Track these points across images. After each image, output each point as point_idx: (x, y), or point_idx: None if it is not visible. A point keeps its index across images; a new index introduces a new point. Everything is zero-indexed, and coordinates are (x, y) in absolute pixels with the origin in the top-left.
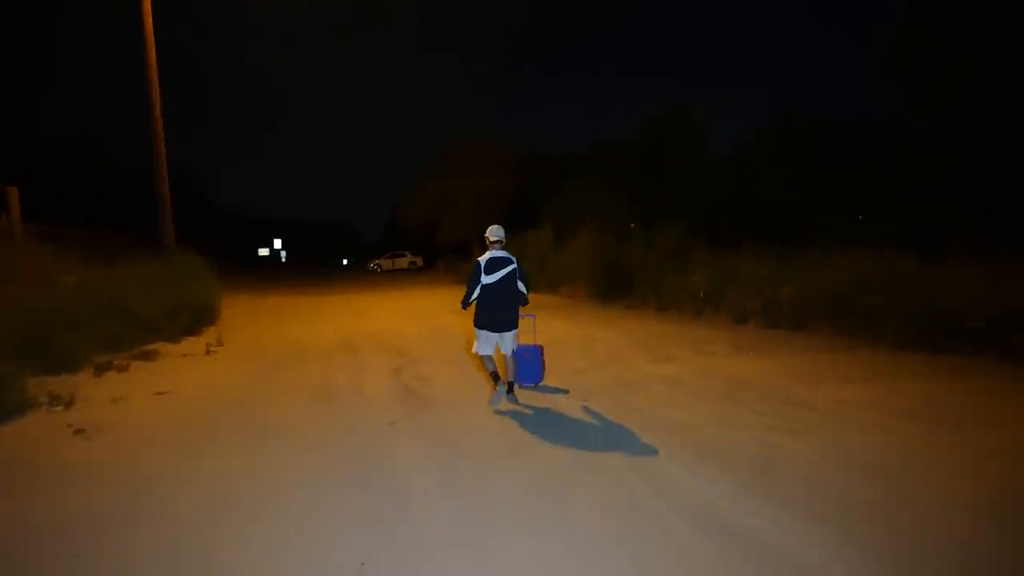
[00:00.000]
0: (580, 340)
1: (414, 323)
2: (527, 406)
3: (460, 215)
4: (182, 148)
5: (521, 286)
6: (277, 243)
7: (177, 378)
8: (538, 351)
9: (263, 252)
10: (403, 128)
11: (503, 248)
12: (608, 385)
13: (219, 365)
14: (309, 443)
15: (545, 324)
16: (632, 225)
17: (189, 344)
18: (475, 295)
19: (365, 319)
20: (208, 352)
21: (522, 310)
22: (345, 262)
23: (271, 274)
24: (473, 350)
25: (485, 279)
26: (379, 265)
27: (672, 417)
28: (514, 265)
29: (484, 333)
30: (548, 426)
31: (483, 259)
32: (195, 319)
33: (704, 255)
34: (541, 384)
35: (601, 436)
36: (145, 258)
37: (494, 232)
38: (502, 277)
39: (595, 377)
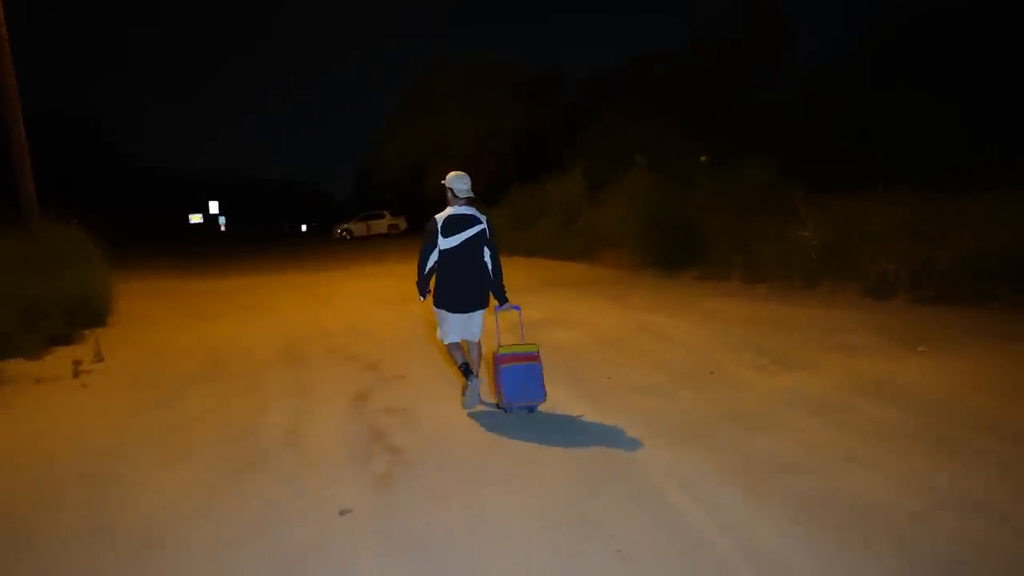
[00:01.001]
0: (640, 335)
1: (391, 313)
2: (571, 447)
3: (453, 161)
4: (92, 92)
5: (488, 257)
6: (213, 207)
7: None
8: (534, 357)
9: (195, 219)
10: (378, 70)
11: (471, 204)
12: (705, 418)
13: (83, 399)
14: (191, 571)
15: (583, 308)
16: (703, 159)
17: (54, 361)
18: (430, 265)
19: (323, 308)
20: (77, 374)
21: (498, 305)
22: (304, 228)
23: (205, 248)
24: (437, 336)
25: (443, 243)
26: (348, 231)
27: (858, 495)
28: (482, 226)
29: (447, 315)
30: (622, 506)
31: (441, 216)
32: (69, 321)
33: (810, 202)
34: (580, 417)
35: (736, 549)
36: None
37: (459, 181)
38: (466, 240)
39: (678, 402)
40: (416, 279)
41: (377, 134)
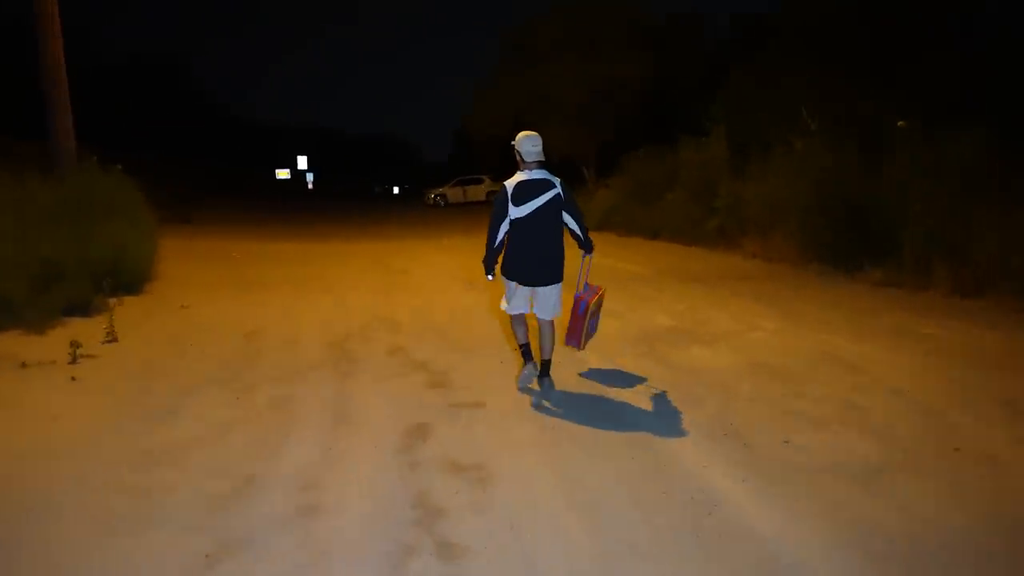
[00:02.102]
0: (821, 365)
1: (476, 301)
2: None
3: (563, 119)
4: (192, 41)
5: (570, 221)
6: (302, 162)
7: None
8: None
9: (282, 175)
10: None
11: (542, 168)
12: (983, 549)
13: (61, 398)
14: None
15: (726, 315)
16: (901, 123)
17: (57, 337)
18: (501, 238)
19: (396, 288)
20: (74, 359)
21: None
22: (396, 190)
23: (287, 206)
24: (500, 306)
25: (514, 212)
26: (442, 196)
27: None
28: (557, 190)
29: (511, 285)
30: None
31: (511, 183)
32: (95, 286)
33: None
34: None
35: None
36: (16, 176)
37: (528, 143)
38: (539, 207)
39: (921, 505)
40: (484, 255)
41: (478, 88)
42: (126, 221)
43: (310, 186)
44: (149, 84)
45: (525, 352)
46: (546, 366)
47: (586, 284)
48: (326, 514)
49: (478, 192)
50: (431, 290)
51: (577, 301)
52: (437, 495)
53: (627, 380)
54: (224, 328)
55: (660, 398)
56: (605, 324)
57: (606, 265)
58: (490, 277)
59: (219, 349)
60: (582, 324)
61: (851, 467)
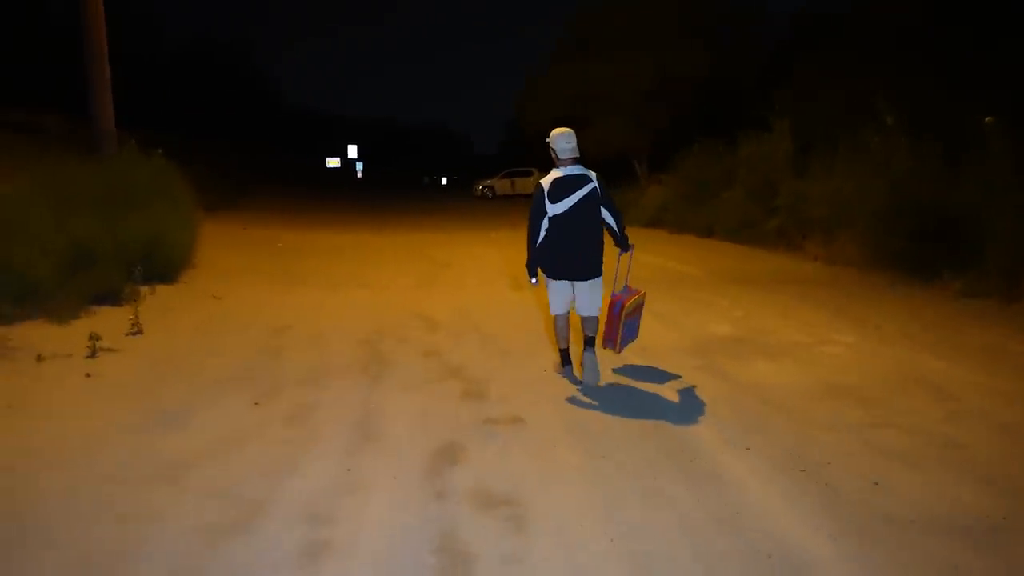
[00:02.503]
0: (908, 389)
1: (519, 300)
2: None
3: (616, 113)
4: (246, 27)
5: (607, 217)
6: (352, 151)
7: None
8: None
9: (332, 163)
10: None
11: (578, 163)
12: None
13: (71, 396)
14: None
15: (792, 325)
16: (988, 120)
17: (81, 327)
18: (542, 235)
19: (436, 282)
20: (93, 353)
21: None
22: (445, 181)
23: (335, 194)
24: (551, 310)
25: (552, 209)
26: (490, 188)
27: None
28: (593, 184)
29: (552, 282)
30: None
31: (547, 181)
32: (127, 274)
33: None
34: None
35: None
36: (58, 158)
37: (563, 140)
38: (577, 203)
39: None
40: (526, 261)
41: (531, 79)
42: (164, 207)
43: (359, 175)
44: (208, 71)
45: (564, 356)
46: (590, 341)
47: (626, 286)
48: (333, 555)
49: (527, 184)
50: (473, 286)
51: (613, 301)
52: (464, 535)
53: (685, 398)
54: (254, 322)
55: (723, 422)
56: (658, 330)
57: (657, 265)
58: (534, 281)
59: (245, 346)
60: (617, 325)
61: (961, 522)
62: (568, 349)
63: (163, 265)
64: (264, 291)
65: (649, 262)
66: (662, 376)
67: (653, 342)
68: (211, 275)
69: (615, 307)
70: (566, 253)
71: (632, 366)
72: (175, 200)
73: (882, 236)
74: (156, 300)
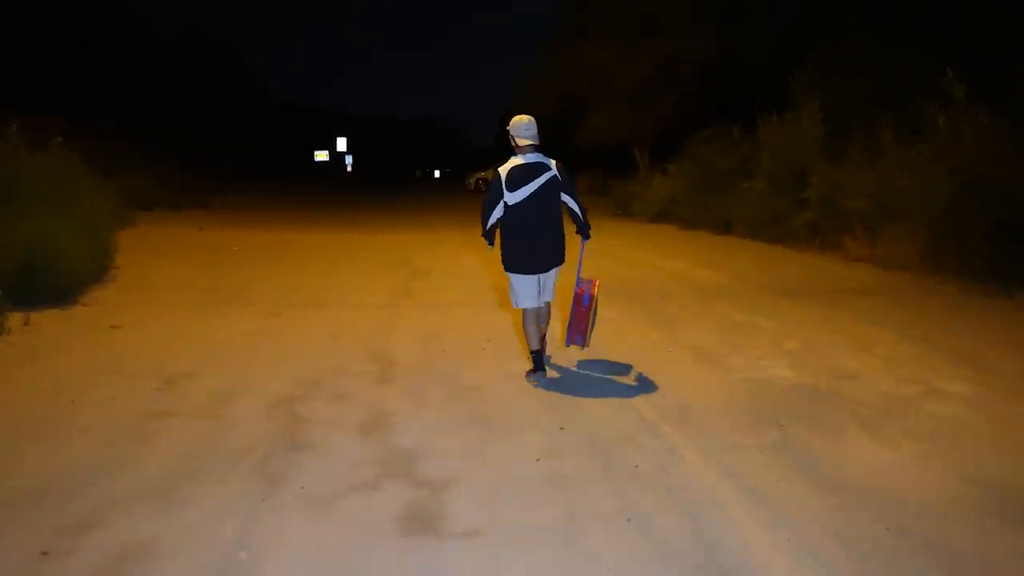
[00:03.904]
0: None
1: (514, 321)
2: None
3: (617, 101)
4: (229, 19)
5: (569, 201)
6: (341, 144)
7: None
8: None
9: (321, 156)
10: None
11: (538, 151)
12: None
13: None
14: None
15: (877, 363)
16: None
17: None
18: (493, 221)
19: (408, 296)
20: None
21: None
22: (437, 174)
23: (321, 189)
24: (513, 304)
25: (510, 197)
26: (483, 181)
27: None
28: (552, 172)
29: (519, 278)
30: None
31: (504, 169)
32: None
33: None
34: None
35: None
36: None
37: (522, 127)
38: (535, 191)
39: None
40: (481, 232)
41: (530, 68)
42: (59, 211)
43: (348, 169)
44: (192, 66)
45: (537, 359)
46: (540, 356)
47: (579, 277)
48: None
49: None
50: (451, 303)
51: (579, 293)
52: None
53: (762, 534)
54: (145, 369)
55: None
56: (696, 374)
57: (674, 270)
58: (490, 247)
59: (106, 417)
60: (587, 317)
61: None
62: (541, 351)
63: (52, 284)
64: (183, 316)
65: (663, 266)
66: (721, 474)
67: (693, 396)
68: (124, 294)
69: (582, 298)
70: (530, 246)
71: (674, 450)
72: (76, 203)
73: (950, 233)
74: (25, 334)
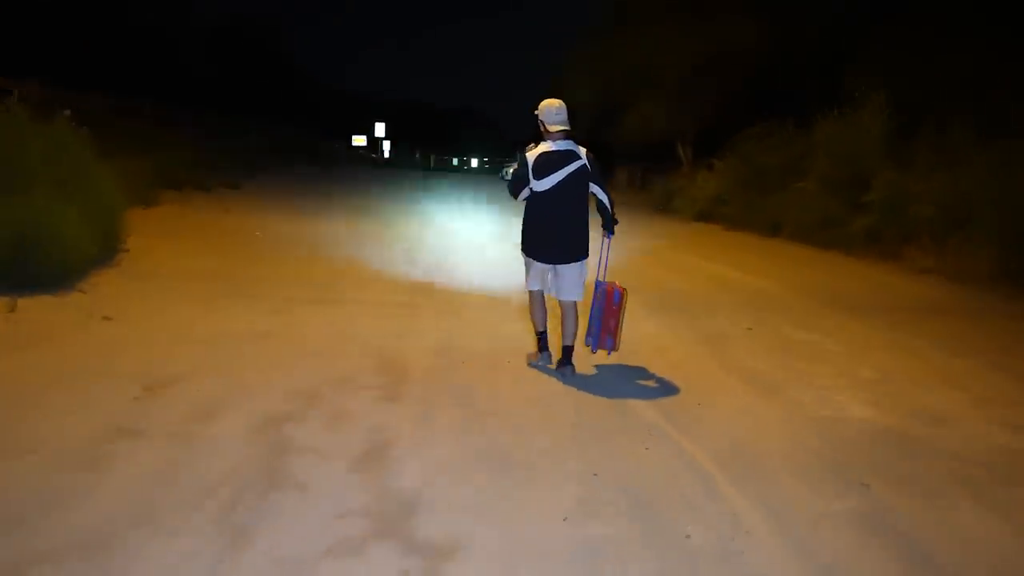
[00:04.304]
0: None
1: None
2: None
3: (659, 94)
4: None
5: (599, 192)
6: (379, 129)
7: None
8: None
9: (358, 141)
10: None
11: (569, 138)
12: None
13: None
14: None
15: (971, 406)
16: None
17: None
18: (524, 196)
19: (428, 306)
20: None
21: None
22: (475, 163)
23: (355, 175)
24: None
25: (536, 185)
26: None
27: None
28: (582, 161)
29: (531, 262)
30: None
31: (532, 155)
32: None
33: None
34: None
35: None
36: None
37: (553, 112)
38: (562, 180)
39: None
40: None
41: (568, 67)
42: (57, 189)
43: (386, 155)
44: (236, 48)
45: (542, 340)
46: (567, 353)
47: (601, 281)
48: None
49: None
50: (476, 305)
51: (607, 290)
52: None
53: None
54: (131, 369)
55: None
56: (755, 408)
57: (722, 276)
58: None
59: (63, 431)
60: (618, 317)
61: None
62: (545, 332)
63: (45, 267)
64: (185, 308)
65: (709, 271)
66: (801, 558)
67: (754, 439)
68: (127, 280)
69: (612, 296)
70: (547, 235)
71: (737, 517)
72: (81, 180)
73: None
74: (7, 322)
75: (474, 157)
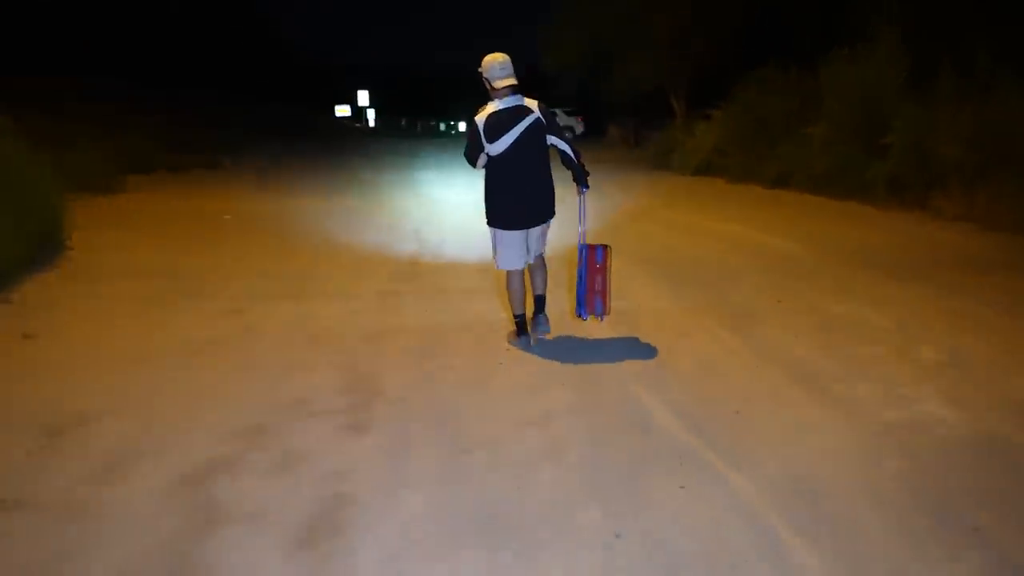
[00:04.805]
0: None
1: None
2: None
3: (650, 41)
4: None
5: (559, 143)
6: (362, 97)
7: None
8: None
9: (342, 111)
10: None
11: (517, 93)
12: None
13: None
14: None
15: None
16: None
17: None
18: (482, 163)
19: (412, 292)
20: None
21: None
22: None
23: (339, 147)
24: (496, 265)
25: (491, 148)
26: None
27: None
28: (535, 115)
29: (503, 234)
30: None
31: (481, 118)
32: None
33: None
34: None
35: None
36: None
37: (497, 67)
38: (517, 139)
39: None
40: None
41: (557, 20)
42: None
43: (371, 124)
44: (212, 22)
45: (520, 324)
46: (540, 302)
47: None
48: None
49: None
50: (464, 291)
51: (590, 249)
52: None
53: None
54: (27, 411)
55: None
56: (808, 416)
57: (734, 236)
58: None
59: None
60: (605, 275)
61: None
62: (524, 315)
63: None
64: (122, 316)
65: (718, 231)
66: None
67: (818, 463)
68: (63, 284)
69: (595, 254)
70: (515, 200)
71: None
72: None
73: None
74: None
75: (461, 121)
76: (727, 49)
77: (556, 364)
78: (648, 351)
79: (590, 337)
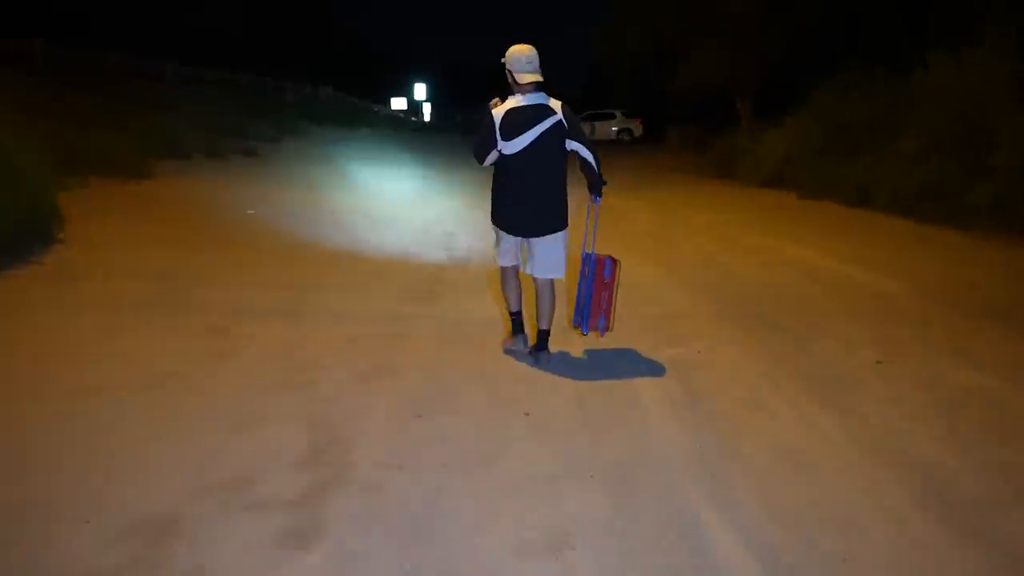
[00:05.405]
0: None
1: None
2: None
3: (716, 40)
4: None
5: (580, 149)
6: (419, 91)
7: None
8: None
9: (397, 105)
10: None
11: (541, 91)
12: None
13: None
14: None
15: None
16: None
17: None
18: (491, 160)
19: (422, 315)
20: None
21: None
22: None
23: (389, 139)
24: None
25: (505, 147)
26: (626, 131)
27: None
28: (557, 117)
29: (503, 234)
30: None
31: (498, 112)
32: None
33: None
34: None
35: None
36: None
37: (523, 60)
38: (535, 140)
39: None
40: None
41: (619, 16)
42: None
43: (426, 118)
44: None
45: (516, 321)
46: (543, 338)
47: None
48: None
49: (607, 129)
50: (486, 321)
51: (597, 262)
52: None
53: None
54: None
55: None
56: None
57: (813, 266)
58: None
59: None
60: (612, 292)
61: None
62: (521, 313)
63: None
64: (88, 330)
65: (794, 258)
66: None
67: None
68: (40, 286)
69: (603, 268)
70: (518, 204)
71: None
72: None
73: None
74: None
75: None
76: (800, 46)
77: (585, 441)
78: (708, 428)
79: (631, 395)
